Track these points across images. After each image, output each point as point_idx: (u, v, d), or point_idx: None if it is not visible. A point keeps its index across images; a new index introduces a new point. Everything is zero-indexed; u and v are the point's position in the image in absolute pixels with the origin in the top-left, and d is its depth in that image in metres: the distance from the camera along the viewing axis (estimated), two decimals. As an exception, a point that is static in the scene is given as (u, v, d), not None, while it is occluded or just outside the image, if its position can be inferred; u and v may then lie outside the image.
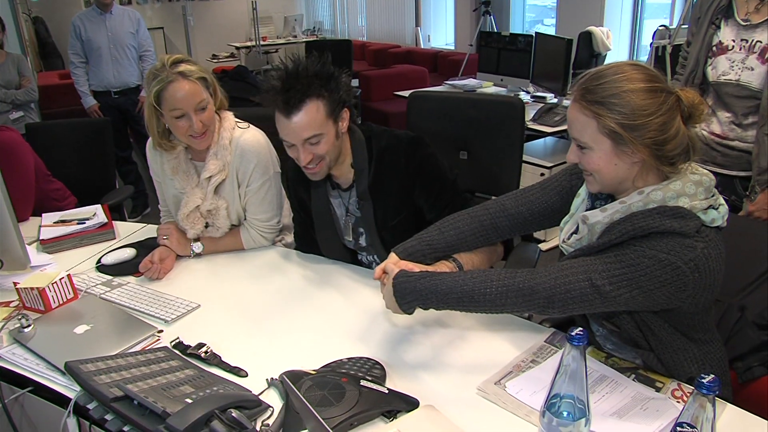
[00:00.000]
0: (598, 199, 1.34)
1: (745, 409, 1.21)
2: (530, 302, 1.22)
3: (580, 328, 0.96)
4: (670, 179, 1.21)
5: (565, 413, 1.00)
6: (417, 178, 1.67)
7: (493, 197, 2.27)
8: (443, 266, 1.49)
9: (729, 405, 1.21)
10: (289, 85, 1.51)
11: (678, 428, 0.82)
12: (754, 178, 2.06)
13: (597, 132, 1.18)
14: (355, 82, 6.11)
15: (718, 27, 2.12)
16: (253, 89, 4.84)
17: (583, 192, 1.38)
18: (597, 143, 1.19)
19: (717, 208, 1.21)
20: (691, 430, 0.82)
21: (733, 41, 2.09)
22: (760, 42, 2.02)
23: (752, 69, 2.04)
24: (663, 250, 1.14)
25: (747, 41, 2.06)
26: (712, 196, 1.22)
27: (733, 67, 2.09)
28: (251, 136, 1.92)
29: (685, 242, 1.14)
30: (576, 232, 1.32)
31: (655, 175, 1.22)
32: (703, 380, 0.85)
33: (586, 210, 1.33)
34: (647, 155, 1.17)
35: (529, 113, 3.77)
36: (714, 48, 2.13)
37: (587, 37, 4.88)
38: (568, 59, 3.97)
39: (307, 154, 1.58)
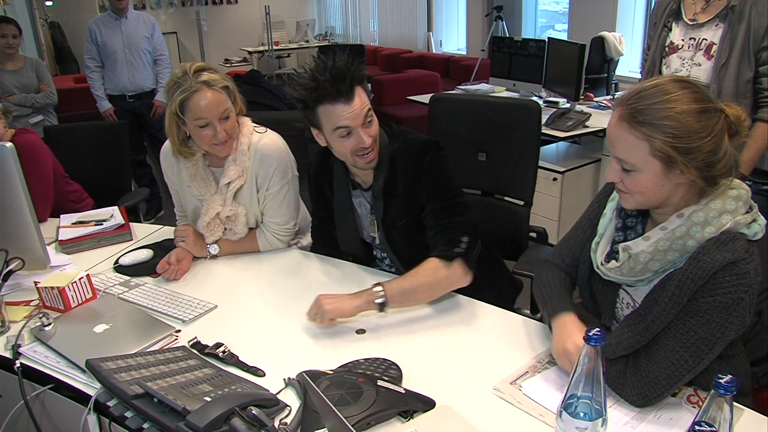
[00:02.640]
0: (629, 217, 1.31)
1: (763, 413, 1.21)
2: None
3: (598, 329, 0.97)
4: (708, 197, 1.19)
5: (582, 413, 1.00)
6: (422, 178, 1.67)
7: (506, 198, 2.29)
8: (364, 294, 1.53)
9: (747, 410, 1.21)
10: (339, 75, 1.55)
11: (696, 427, 0.83)
12: None
13: (648, 155, 1.14)
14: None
15: (670, 29, 2.29)
16: (266, 93, 4.87)
17: (608, 211, 1.35)
18: (647, 165, 1.15)
19: (757, 220, 1.19)
20: (710, 429, 0.82)
21: (683, 40, 2.25)
22: (706, 39, 2.18)
23: (700, 65, 2.21)
24: (725, 291, 1.12)
25: (695, 39, 2.21)
26: (752, 208, 1.20)
27: (684, 64, 2.25)
28: (269, 140, 1.94)
29: (739, 270, 1.12)
30: (615, 258, 1.28)
31: (695, 193, 1.19)
32: (720, 380, 0.86)
33: (616, 229, 1.32)
34: (696, 176, 1.14)
35: (542, 118, 3.76)
36: (667, 48, 2.30)
37: (600, 43, 4.86)
38: (580, 64, 3.97)
39: (367, 135, 1.61)
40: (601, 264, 1.31)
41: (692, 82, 1.17)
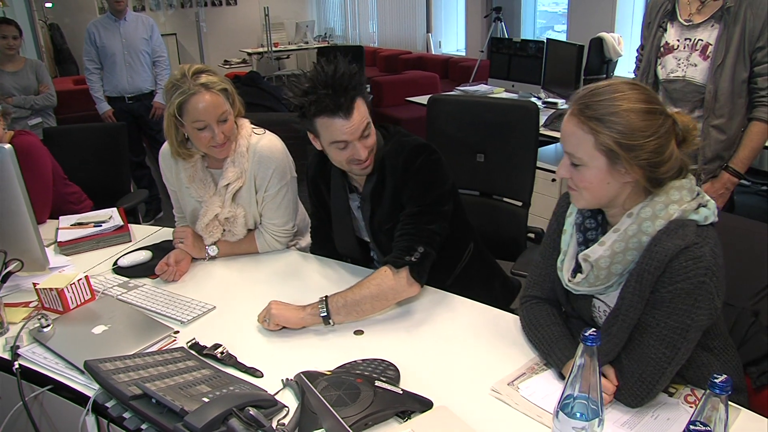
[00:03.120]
0: (588, 230, 1.33)
1: (760, 413, 1.21)
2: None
3: (594, 329, 0.97)
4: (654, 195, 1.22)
5: (578, 414, 1.01)
6: (408, 181, 1.66)
7: (504, 199, 2.29)
8: (308, 307, 1.55)
9: (744, 410, 1.21)
10: (340, 89, 1.54)
11: (691, 427, 0.83)
12: (700, 167, 2.20)
13: (593, 148, 1.17)
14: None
15: (665, 29, 2.30)
16: (265, 95, 4.87)
17: (568, 227, 1.37)
18: (592, 160, 1.19)
19: (706, 205, 1.22)
20: (705, 428, 0.83)
21: (678, 41, 2.26)
22: (702, 40, 2.19)
23: (696, 65, 2.22)
24: (684, 277, 1.14)
25: (690, 40, 2.22)
26: (698, 194, 1.23)
27: (679, 65, 2.26)
28: (268, 141, 1.94)
29: (694, 255, 1.14)
30: (580, 270, 1.30)
31: (642, 193, 1.22)
32: (715, 380, 0.86)
33: (578, 243, 1.33)
34: (640, 176, 1.17)
35: (541, 119, 3.76)
36: (662, 48, 2.31)
37: (598, 43, 4.87)
38: (579, 65, 3.98)
39: (363, 148, 1.61)
40: (569, 281, 1.33)
41: (642, 85, 1.21)
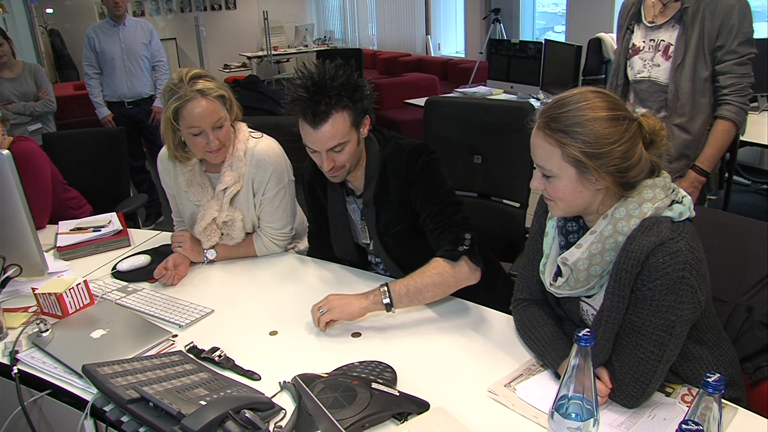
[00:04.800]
0: (570, 233, 1.34)
1: (755, 410, 1.21)
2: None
3: (588, 330, 0.97)
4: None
5: (573, 414, 1.01)
6: (415, 182, 1.67)
7: (502, 200, 2.29)
8: (371, 295, 1.55)
9: (741, 409, 1.21)
10: (317, 96, 1.52)
11: (683, 426, 0.83)
12: (665, 166, 2.15)
13: (561, 160, 1.19)
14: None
15: (632, 31, 2.34)
16: (264, 98, 4.88)
17: (550, 230, 1.38)
18: (562, 171, 1.20)
19: (681, 202, 1.22)
20: (696, 427, 0.83)
21: (644, 42, 2.30)
22: (664, 41, 2.23)
23: (659, 66, 2.25)
24: (662, 273, 1.15)
25: (654, 41, 2.26)
26: (672, 191, 1.23)
27: (645, 65, 2.30)
28: (266, 145, 1.95)
29: (670, 250, 1.15)
30: (560, 274, 1.31)
31: (617, 197, 1.23)
32: (708, 379, 0.87)
33: (560, 246, 1.34)
34: (611, 183, 1.18)
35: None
36: (630, 50, 2.36)
37: (597, 44, 4.87)
38: (577, 66, 3.99)
39: (329, 161, 1.61)
40: (551, 285, 1.34)
41: (606, 92, 1.22)
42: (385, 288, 1.55)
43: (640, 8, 2.31)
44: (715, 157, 2.23)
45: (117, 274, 1.94)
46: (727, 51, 2.12)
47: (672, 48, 2.20)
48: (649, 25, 2.27)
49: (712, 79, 2.18)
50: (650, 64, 2.28)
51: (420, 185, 1.67)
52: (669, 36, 2.21)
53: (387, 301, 1.54)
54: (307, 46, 9.90)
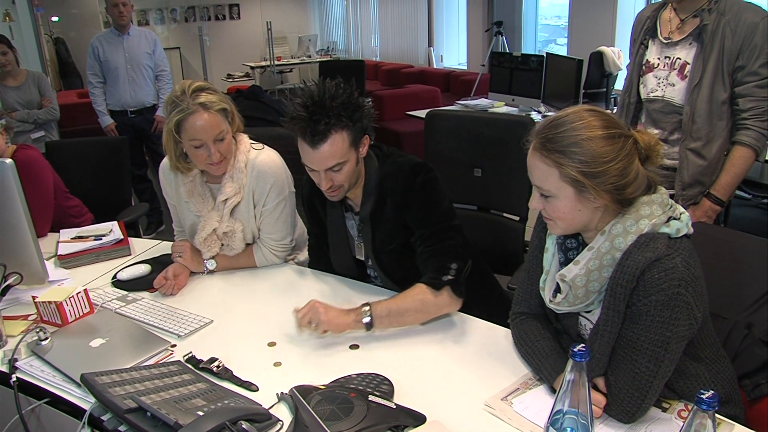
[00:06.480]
0: (569, 249, 1.35)
1: (754, 426, 1.21)
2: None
3: (583, 345, 0.98)
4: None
5: (568, 429, 1.01)
6: (411, 202, 1.67)
7: (502, 213, 2.30)
8: (352, 313, 1.55)
9: (738, 426, 1.21)
10: (316, 116, 1.52)
11: (677, 443, 0.84)
12: (678, 193, 2.10)
13: (559, 180, 1.20)
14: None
15: (647, 46, 2.19)
16: (267, 108, 4.91)
17: (550, 246, 1.38)
18: (560, 191, 1.21)
19: (678, 218, 1.23)
20: (690, 444, 0.83)
21: (658, 59, 2.15)
22: (680, 59, 2.08)
23: (674, 85, 2.10)
24: (657, 289, 1.15)
25: (669, 58, 2.11)
26: (670, 207, 1.24)
27: (659, 84, 2.14)
28: (267, 156, 1.96)
29: (665, 266, 1.15)
30: (559, 291, 1.32)
31: (614, 213, 1.24)
32: (702, 396, 0.87)
33: (560, 262, 1.35)
34: (609, 200, 1.19)
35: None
36: (643, 67, 2.20)
37: (598, 57, 4.91)
38: (578, 79, 4.01)
39: (328, 180, 1.62)
40: (550, 301, 1.35)
41: (601, 110, 1.22)
42: (368, 308, 1.56)
43: (655, 22, 2.16)
44: (732, 185, 2.06)
45: (117, 283, 1.95)
46: (747, 72, 1.95)
47: (689, 67, 2.05)
48: (665, 41, 2.12)
49: (730, 102, 2.01)
50: (665, 83, 2.12)
51: (416, 205, 1.67)
52: (686, 54, 2.06)
53: (367, 320, 1.55)
54: (310, 56, 9.96)
